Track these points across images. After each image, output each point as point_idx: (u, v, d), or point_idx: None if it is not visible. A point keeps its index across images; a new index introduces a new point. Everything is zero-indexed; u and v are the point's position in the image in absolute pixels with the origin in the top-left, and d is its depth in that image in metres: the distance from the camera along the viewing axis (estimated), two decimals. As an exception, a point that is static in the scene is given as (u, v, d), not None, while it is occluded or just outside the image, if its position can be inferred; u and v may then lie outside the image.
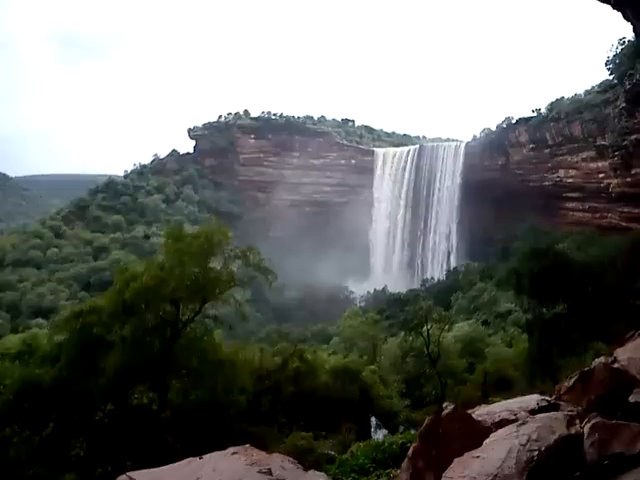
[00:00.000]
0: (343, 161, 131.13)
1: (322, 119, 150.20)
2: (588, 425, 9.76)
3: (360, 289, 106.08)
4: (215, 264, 28.78)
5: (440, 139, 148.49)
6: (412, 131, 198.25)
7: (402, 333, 45.87)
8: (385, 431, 30.48)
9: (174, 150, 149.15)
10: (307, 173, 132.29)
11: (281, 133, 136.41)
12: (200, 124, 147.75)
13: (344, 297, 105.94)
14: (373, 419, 33.02)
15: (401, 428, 28.28)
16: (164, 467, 7.75)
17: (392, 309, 71.85)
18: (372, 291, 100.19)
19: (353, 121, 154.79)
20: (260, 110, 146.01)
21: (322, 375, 35.83)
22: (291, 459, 11.86)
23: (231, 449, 12.04)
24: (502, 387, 34.10)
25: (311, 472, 10.46)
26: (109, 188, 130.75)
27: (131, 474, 7.19)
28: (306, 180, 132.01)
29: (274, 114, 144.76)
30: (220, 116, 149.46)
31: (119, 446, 23.48)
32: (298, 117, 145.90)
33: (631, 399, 13.96)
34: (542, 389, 19.33)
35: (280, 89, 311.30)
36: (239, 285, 30.36)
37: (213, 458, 11.97)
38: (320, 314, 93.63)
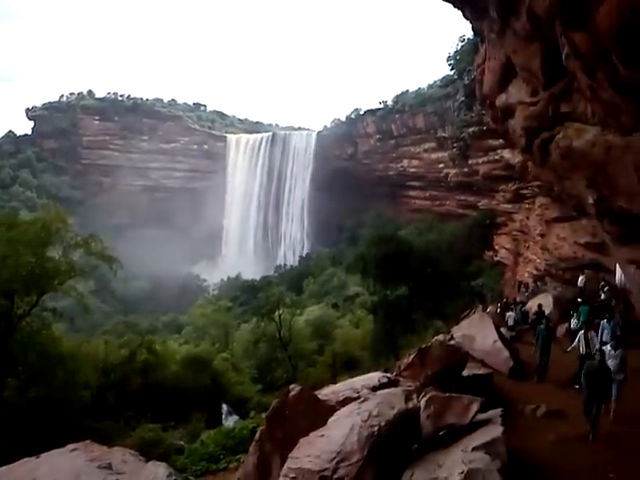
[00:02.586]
0: (195, 146, 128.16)
1: (173, 102, 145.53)
2: (424, 399, 10.33)
3: (213, 277, 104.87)
4: (54, 253, 27.26)
5: (292, 128, 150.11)
6: (265, 119, 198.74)
7: (255, 319, 46.07)
8: (236, 417, 30.46)
9: (10, 131, 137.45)
10: (157, 158, 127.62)
11: (128, 115, 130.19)
12: (39, 104, 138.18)
13: (196, 286, 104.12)
14: (224, 406, 32.86)
15: (252, 413, 28.38)
16: (-2, 469, 7.16)
17: (245, 296, 71.93)
18: (225, 279, 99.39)
19: (205, 106, 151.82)
20: (106, 91, 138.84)
21: (172, 365, 35.10)
22: (133, 452, 11.43)
23: (70, 446, 11.35)
24: (350, 367, 35.48)
25: (151, 463, 10.16)
26: None
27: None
28: (155, 165, 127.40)
29: (121, 95, 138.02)
30: (62, 96, 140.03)
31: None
32: (147, 99, 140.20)
33: (464, 373, 15.06)
34: (386, 367, 20.22)
35: (128, 70, 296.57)
36: (80, 275, 28.85)
37: (51, 456, 11.24)
38: (171, 304, 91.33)
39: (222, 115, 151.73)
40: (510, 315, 26.03)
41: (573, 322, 20.97)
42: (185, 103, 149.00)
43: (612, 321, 17.52)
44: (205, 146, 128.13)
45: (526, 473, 10.01)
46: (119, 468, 9.95)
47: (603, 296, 24.44)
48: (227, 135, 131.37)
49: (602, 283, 27.42)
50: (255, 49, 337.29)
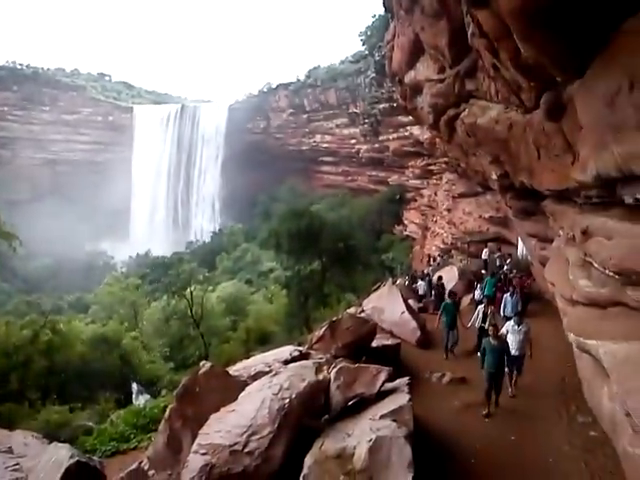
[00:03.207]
0: (99, 118, 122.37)
1: (75, 72, 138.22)
2: (334, 370, 10.53)
3: (121, 254, 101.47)
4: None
5: (203, 101, 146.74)
6: (174, 91, 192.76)
7: (165, 297, 45.18)
8: (147, 396, 29.93)
9: None
10: (59, 129, 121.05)
11: (28, 85, 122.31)
12: None
13: (103, 263, 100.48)
14: (135, 386, 32.19)
15: (164, 392, 27.97)
16: None
17: (155, 273, 70.01)
18: (134, 255, 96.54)
19: (110, 76, 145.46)
20: (3, 59, 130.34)
21: (78, 346, 33.87)
22: (35, 435, 11.06)
23: (-33, 432, 10.79)
24: (264, 342, 35.50)
25: (53, 445, 9.86)
26: None
27: None
28: (57, 137, 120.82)
29: (20, 64, 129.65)
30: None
31: None
32: (48, 69, 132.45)
33: (374, 344, 15.42)
34: (300, 341, 20.40)
35: (27, 38, 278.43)
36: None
37: (-55, 445, 10.64)
38: (77, 282, 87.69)
39: (128, 86, 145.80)
40: (420, 284, 26.82)
41: (477, 293, 21.83)
42: (89, 73, 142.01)
43: (514, 295, 18.03)
44: (110, 117, 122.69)
45: (432, 438, 10.45)
46: (20, 451, 9.58)
47: (505, 268, 25.51)
48: (134, 106, 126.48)
49: (500, 255, 28.71)
50: (163, 19, 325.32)
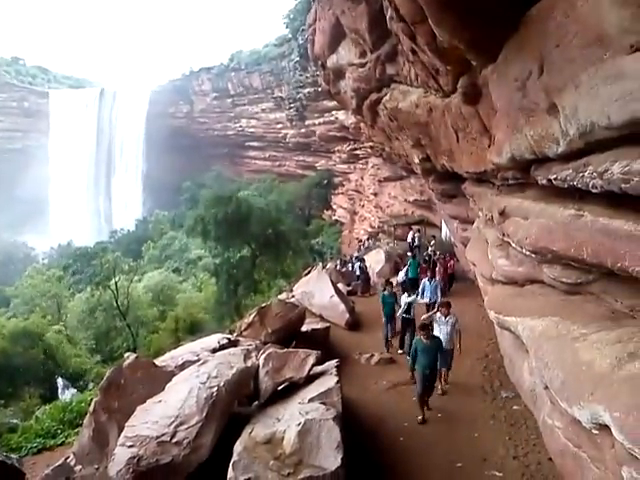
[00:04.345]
0: (14, 103, 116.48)
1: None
2: (263, 356, 10.54)
3: (42, 245, 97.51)
4: None
5: (123, 85, 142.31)
6: (92, 77, 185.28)
7: (89, 288, 43.82)
8: (74, 391, 29.03)
9: None
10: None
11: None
12: None
13: (23, 255, 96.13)
14: (60, 380, 31.15)
15: (91, 385, 27.22)
16: None
17: (78, 264, 67.58)
18: (56, 246, 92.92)
19: (24, 60, 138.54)
20: None
21: (-1, 341, 32.56)
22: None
23: None
24: (194, 331, 35.11)
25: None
26: None
27: None
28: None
29: None
30: None
31: None
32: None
33: (303, 329, 15.49)
34: (231, 329, 20.29)
35: None
36: None
37: None
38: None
39: (44, 70, 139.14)
40: (357, 267, 26.73)
41: (401, 275, 22.26)
42: (1, 57, 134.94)
43: (433, 280, 17.26)
44: (26, 103, 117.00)
45: (361, 418, 10.63)
46: None
47: (430, 250, 26.11)
48: (50, 91, 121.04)
49: (419, 235, 29.49)
50: (80, 1, 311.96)
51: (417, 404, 10.86)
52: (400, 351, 14.88)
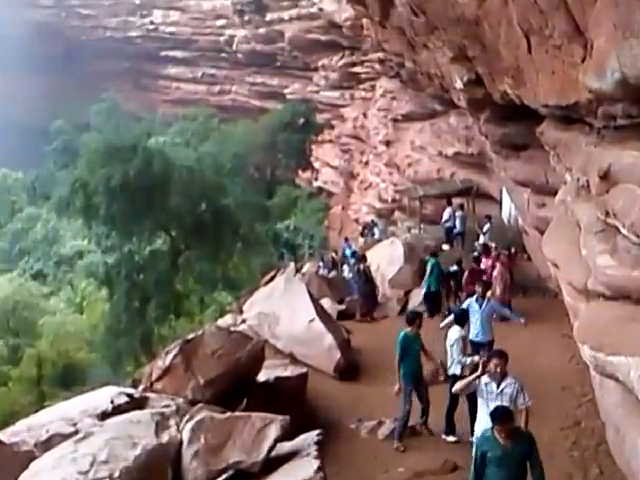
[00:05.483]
0: None
1: None
2: (190, 425, 10.52)
3: None
4: None
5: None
6: None
7: None
8: None
9: None
10: None
11: None
12: None
13: None
14: None
15: None
16: None
17: None
18: None
19: None
20: None
21: None
22: None
23: None
24: (69, 380, 34.94)
25: None
26: None
27: None
28: None
29: None
30: None
31: None
32: None
33: (261, 377, 15.49)
34: (134, 376, 20.30)
35: None
36: None
37: None
38: None
39: None
40: (356, 269, 25.97)
41: (424, 287, 22.32)
42: None
43: (484, 301, 16.26)
44: None
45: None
46: None
47: (482, 240, 26.11)
48: None
49: (461, 216, 29.56)
50: None
51: None
52: (450, 439, 13.80)
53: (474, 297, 16.38)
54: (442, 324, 16.47)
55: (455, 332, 13.87)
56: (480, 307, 15.94)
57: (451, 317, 15.45)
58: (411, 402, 13.95)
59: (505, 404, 9.99)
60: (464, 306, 16.37)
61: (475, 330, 15.75)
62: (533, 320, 19.27)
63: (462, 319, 14.75)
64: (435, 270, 21.64)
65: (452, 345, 13.72)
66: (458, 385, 11.36)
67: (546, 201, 18.13)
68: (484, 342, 14.97)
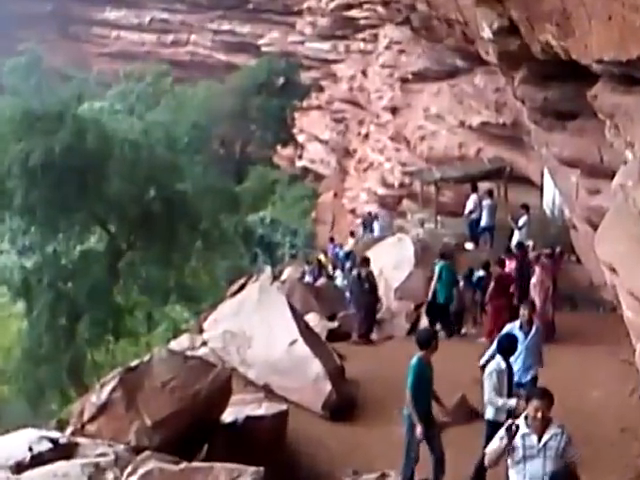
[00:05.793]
0: None
1: None
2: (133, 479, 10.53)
3: None
4: None
5: None
6: None
7: None
8: None
9: None
10: None
11: None
12: None
13: None
14: None
15: None
16: None
17: None
18: None
19: None
20: None
21: None
22: None
23: None
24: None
25: None
26: None
27: None
28: None
29: None
30: None
31: None
32: None
33: (226, 417, 15.56)
34: (60, 417, 20.36)
35: None
36: None
37: None
38: None
39: None
40: (352, 275, 25.87)
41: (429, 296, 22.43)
42: None
43: (531, 328, 15.96)
44: None
45: None
46: None
47: (517, 236, 26.15)
48: None
49: (489, 205, 29.58)
50: None
51: None
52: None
53: (517, 323, 15.98)
54: (482, 360, 15.85)
55: (491, 364, 13.60)
56: (526, 337, 15.47)
57: (493, 347, 14.86)
58: (419, 450, 13.51)
59: (549, 462, 9.34)
60: (505, 332, 15.59)
61: (516, 367, 14.73)
62: (584, 341, 19.42)
63: (509, 350, 14.09)
64: (444, 275, 21.78)
65: (486, 380, 13.26)
66: (488, 456, 10.09)
67: (601, 186, 18.16)
68: (526, 382, 14.47)
